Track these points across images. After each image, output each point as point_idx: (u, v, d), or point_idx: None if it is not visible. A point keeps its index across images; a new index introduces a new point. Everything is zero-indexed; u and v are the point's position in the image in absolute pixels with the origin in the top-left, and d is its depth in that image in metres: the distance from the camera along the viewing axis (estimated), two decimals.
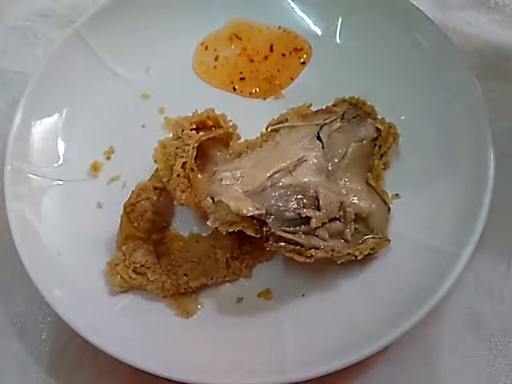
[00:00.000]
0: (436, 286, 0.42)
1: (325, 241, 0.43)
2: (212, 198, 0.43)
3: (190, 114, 0.49)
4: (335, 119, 0.48)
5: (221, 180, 0.44)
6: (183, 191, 0.46)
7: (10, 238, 0.47)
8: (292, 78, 0.57)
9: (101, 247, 0.49)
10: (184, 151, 0.47)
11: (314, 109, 0.50)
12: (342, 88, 0.52)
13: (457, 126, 0.48)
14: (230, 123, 0.51)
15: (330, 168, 0.46)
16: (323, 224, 0.43)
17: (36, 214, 0.50)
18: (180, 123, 0.48)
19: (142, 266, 0.46)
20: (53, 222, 0.50)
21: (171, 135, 0.48)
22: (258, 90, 0.57)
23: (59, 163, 0.54)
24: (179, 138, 0.47)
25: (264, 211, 0.42)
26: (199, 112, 0.49)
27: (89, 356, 0.47)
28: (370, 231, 0.45)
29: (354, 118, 0.49)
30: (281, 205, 0.43)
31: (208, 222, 0.43)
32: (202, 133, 0.48)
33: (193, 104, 0.50)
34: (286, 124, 0.49)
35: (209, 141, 0.49)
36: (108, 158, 0.54)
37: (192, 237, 0.49)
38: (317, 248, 0.43)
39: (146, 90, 0.57)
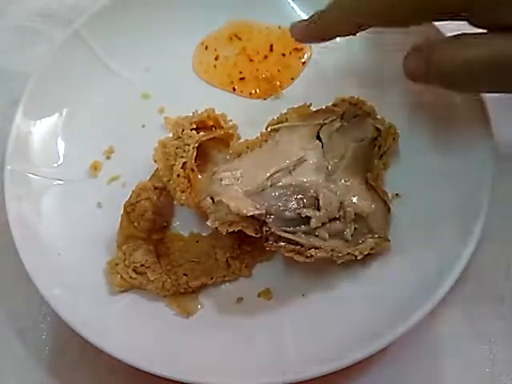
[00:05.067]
0: (436, 286, 0.42)
1: (325, 241, 0.43)
2: (212, 198, 0.43)
3: (190, 114, 0.49)
4: (335, 119, 0.48)
5: (221, 180, 0.44)
6: (183, 191, 0.46)
7: (10, 237, 0.47)
8: (292, 78, 0.57)
9: (101, 247, 0.49)
10: (184, 151, 0.47)
11: (313, 109, 0.50)
12: (341, 88, 0.53)
13: (457, 126, 0.48)
14: (230, 123, 0.51)
15: (329, 168, 0.46)
16: (323, 224, 0.43)
17: (36, 214, 0.50)
18: (180, 123, 0.48)
19: (142, 265, 0.46)
20: (53, 221, 0.50)
21: (171, 135, 0.48)
22: (257, 90, 0.57)
23: (59, 163, 0.54)
24: (179, 137, 0.47)
25: (264, 211, 0.42)
26: (199, 112, 0.49)
27: (89, 356, 0.47)
28: (370, 231, 0.45)
29: (354, 117, 0.49)
30: (281, 205, 0.43)
31: (208, 222, 0.43)
32: (202, 133, 0.48)
33: (193, 104, 0.50)
34: (286, 124, 0.49)
35: (209, 141, 0.49)
36: (108, 157, 0.54)
37: (192, 237, 0.49)
38: (317, 248, 0.43)
39: (146, 90, 0.57)
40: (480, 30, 0.38)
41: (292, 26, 0.46)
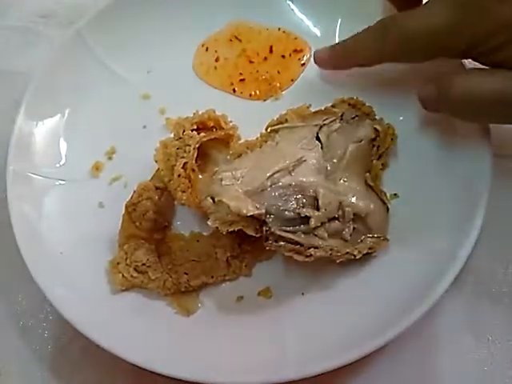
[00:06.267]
0: (434, 286, 0.42)
1: (324, 240, 0.44)
2: (212, 198, 0.43)
3: (191, 115, 0.50)
4: (334, 120, 0.49)
5: (221, 180, 0.45)
6: (184, 191, 0.46)
7: (12, 237, 0.47)
8: (292, 80, 0.57)
9: (102, 246, 0.50)
10: (185, 152, 0.47)
11: (313, 109, 0.50)
12: (341, 89, 0.53)
13: (455, 126, 0.48)
14: (231, 124, 0.51)
15: (329, 168, 0.46)
16: (322, 224, 0.43)
17: (38, 214, 0.50)
18: (181, 124, 0.49)
19: (144, 264, 0.47)
20: (55, 221, 0.50)
21: (172, 136, 0.49)
22: (257, 91, 0.57)
23: (61, 163, 0.54)
24: (180, 138, 0.48)
25: (264, 211, 0.42)
26: (200, 113, 0.50)
27: (91, 354, 0.47)
28: (369, 231, 0.45)
29: (353, 118, 0.49)
30: (280, 204, 0.43)
31: (208, 222, 0.43)
32: (202, 133, 0.48)
33: (193, 105, 0.50)
34: (286, 125, 0.49)
35: (209, 141, 0.49)
36: (110, 158, 0.55)
37: (193, 236, 0.50)
38: (316, 247, 0.43)
39: (146, 91, 0.58)
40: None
41: (315, 55, 0.53)
